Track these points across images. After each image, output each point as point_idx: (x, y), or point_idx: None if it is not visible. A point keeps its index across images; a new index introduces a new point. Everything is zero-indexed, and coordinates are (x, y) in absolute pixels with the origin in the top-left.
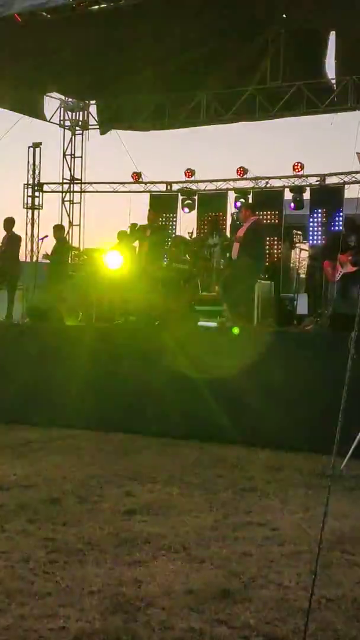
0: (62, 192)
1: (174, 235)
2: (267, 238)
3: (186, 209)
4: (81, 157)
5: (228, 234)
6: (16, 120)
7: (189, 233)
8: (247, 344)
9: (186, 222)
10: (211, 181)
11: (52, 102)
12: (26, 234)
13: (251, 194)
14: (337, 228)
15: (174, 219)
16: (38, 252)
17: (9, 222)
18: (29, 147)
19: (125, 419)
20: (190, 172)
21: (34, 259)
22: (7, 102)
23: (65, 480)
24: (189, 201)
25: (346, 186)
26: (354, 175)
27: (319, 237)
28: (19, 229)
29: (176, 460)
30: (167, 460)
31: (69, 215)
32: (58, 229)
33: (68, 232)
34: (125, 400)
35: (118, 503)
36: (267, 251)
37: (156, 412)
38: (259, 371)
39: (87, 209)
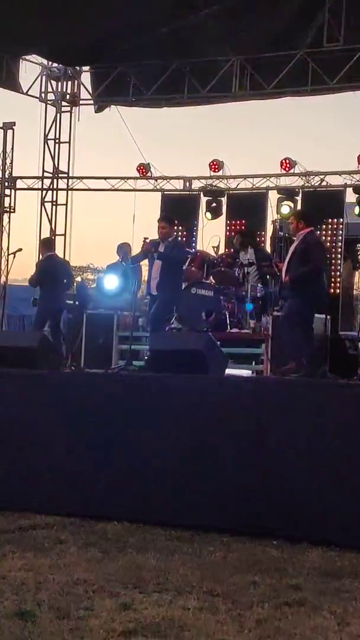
0: (42, 189)
1: (193, 250)
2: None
3: (210, 215)
4: (68, 142)
5: (267, 248)
6: None
7: (214, 247)
8: (291, 401)
9: (210, 233)
10: (245, 177)
11: (30, 69)
12: None
13: (300, 195)
14: None
15: (194, 228)
16: (7, 272)
17: None
18: None
19: (121, 502)
20: (216, 165)
21: (1, 280)
22: None
23: (39, 586)
24: (215, 204)
25: None
26: None
27: None
28: None
29: (192, 561)
30: (180, 561)
31: (50, 222)
32: (46, 245)
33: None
34: (121, 476)
35: (112, 620)
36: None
37: (164, 493)
38: (310, 441)
39: (77, 213)
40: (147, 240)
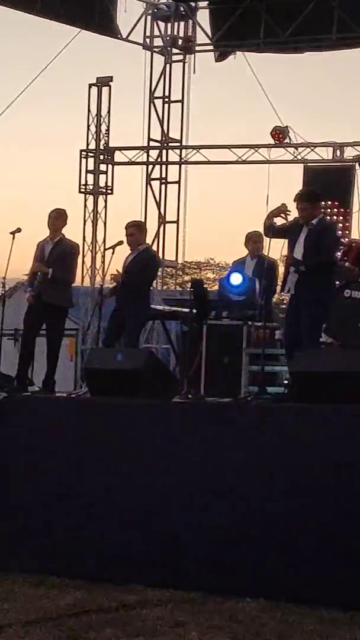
0: (147, 163)
1: (346, 240)
2: None
3: None
4: (181, 102)
5: None
6: (69, 39)
7: None
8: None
9: None
10: None
11: (131, 7)
12: (84, 238)
13: None
14: None
15: (348, 211)
16: (104, 273)
17: (58, 218)
18: (90, 86)
19: (257, 574)
20: None
21: (97, 282)
22: (54, 10)
23: None
24: None
25: None
26: None
27: None
28: (72, 230)
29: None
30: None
31: (158, 205)
32: (137, 228)
33: (156, 235)
34: (256, 541)
35: None
36: None
37: (313, 562)
38: None
39: (192, 193)
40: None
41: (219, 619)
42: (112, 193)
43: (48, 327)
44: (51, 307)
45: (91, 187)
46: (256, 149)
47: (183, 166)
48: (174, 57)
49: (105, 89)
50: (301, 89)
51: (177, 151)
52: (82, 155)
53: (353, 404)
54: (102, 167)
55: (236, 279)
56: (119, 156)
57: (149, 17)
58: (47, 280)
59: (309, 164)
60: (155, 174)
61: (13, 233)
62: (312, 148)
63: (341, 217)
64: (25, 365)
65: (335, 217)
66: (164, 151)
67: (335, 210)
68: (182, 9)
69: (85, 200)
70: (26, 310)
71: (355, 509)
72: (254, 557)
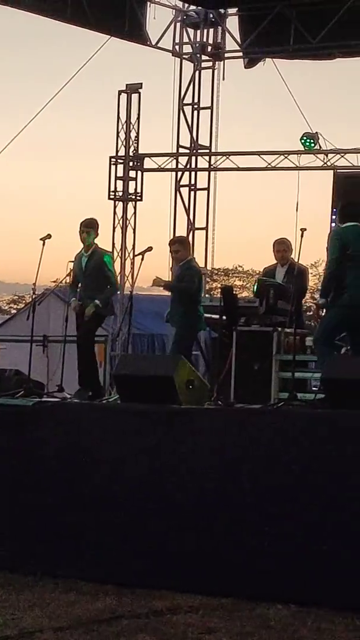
0: (176, 170)
1: None
2: None
3: None
4: (211, 108)
5: None
6: (99, 46)
7: None
8: None
9: None
10: None
11: (160, 14)
12: (113, 244)
13: None
14: None
15: None
16: (134, 279)
17: (90, 226)
18: (119, 93)
19: (289, 578)
20: None
21: (126, 288)
22: (84, 17)
23: None
24: None
25: None
26: None
27: None
28: (101, 236)
29: None
30: None
31: (187, 212)
32: (181, 244)
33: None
34: (292, 542)
35: None
36: None
37: (351, 566)
38: None
39: (221, 200)
40: None
41: (250, 625)
42: (141, 199)
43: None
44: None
45: (120, 193)
46: (286, 155)
47: (212, 173)
48: (203, 64)
49: (134, 96)
50: (331, 95)
51: (206, 158)
52: (112, 162)
53: None
54: (132, 173)
55: None
56: (148, 163)
57: (178, 24)
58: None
59: (338, 170)
60: (185, 180)
61: (43, 239)
62: (342, 154)
63: None
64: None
65: None
66: (193, 158)
67: None
68: (211, 15)
69: (115, 206)
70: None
71: None
72: (284, 563)
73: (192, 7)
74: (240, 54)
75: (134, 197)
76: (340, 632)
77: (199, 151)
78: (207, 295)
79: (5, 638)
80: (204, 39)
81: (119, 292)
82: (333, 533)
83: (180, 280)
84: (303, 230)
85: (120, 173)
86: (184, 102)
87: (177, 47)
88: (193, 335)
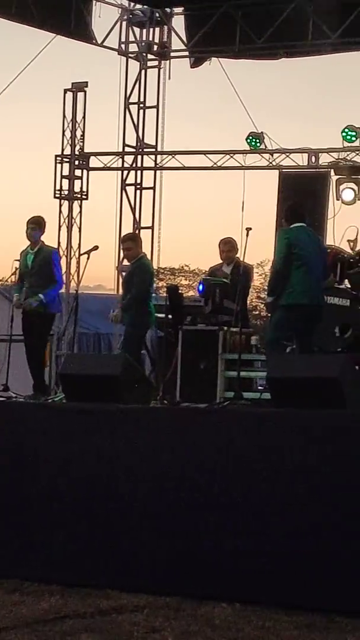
0: (122, 169)
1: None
2: None
3: (347, 197)
4: (157, 108)
5: None
6: (44, 44)
7: (350, 242)
8: None
9: (345, 222)
10: None
11: (106, 13)
12: (58, 243)
13: None
14: None
15: (322, 215)
16: (80, 278)
17: (36, 224)
18: (65, 91)
19: (234, 578)
20: (352, 133)
21: (72, 287)
22: (30, 15)
23: None
24: (351, 184)
25: None
26: None
27: None
28: (47, 235)
29: None
30: None
31: (133, 211)
32: (133, 241)
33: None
34: (234, 542)
35: None
36: None
37: (292, 566)
38: None
39: (167, 199)
40: None
41: (195, 624)
42: (87, 198)
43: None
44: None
45: (66, 192)
46: (231, 154)
47: (158, 172)
48: (149, 63)
49: (80, 95)
50: (277, 95)
51: (152, 157)
52: (57, 161)
53: (326, 408)
54: (77, 172)
55: None
56: (94, 161)
57: (124, 23)
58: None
59: (284, 170)
60: (130, 179)
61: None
62: (288, 154)
63: (316, 224)
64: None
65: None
66: (139, 157)
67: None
68: (157, 14)
69: (61, 205)
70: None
71: (327, 514)
72: (229, 561)
73: (138, 6)
74: (186, 53)
75: (79, 196)
76: (284, 629)
77: (145, 150)
78: (153, 295)
79: None
80: (150, 38)
81: (62, 291)
82: (276, 531)
83: (130, 277)
84: (249, 229)
85: (66, 172)
86: (130, 101)
87: (123, 46)
88: (143, 331)
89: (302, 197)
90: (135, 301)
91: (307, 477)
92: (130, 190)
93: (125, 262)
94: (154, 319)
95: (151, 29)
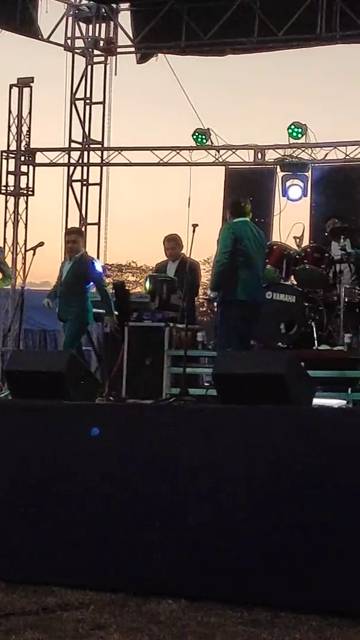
0: (68, 164)
1: (268, 242)
2: None
3: (293, 194)
4: (103, 103)
5: None
6: None
7: (295, 238)
8: None
9: (291, 219)
10: (336, 145)
11: (52, 8)
12: (4, 239)
13: None
14: None
15: (268, 211)
16: (25, 274)
17: None
18: (10, 87)
19: (179, 574)
20: (298, 130)
21: (18, 283)
22: None
23: None
24: (297, 180)
25: None
26: None
27: None
28: None
29: None
30: None
31: (79, 207)
32: (79, 235)
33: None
34: (175, 538)
35: None
36: None
37: (235, 562)
38: None
39: (114, 195)
40: None
41: (140, 620)
42: (33, 194)
43: None
44: None
45: (12, 188)
46: (178, 151)
47: (104, 168)
48: (96, 59)
49: (26, 90)
50: (222, 91)
51: (99, 153)
52: (3, 156)
53: (272, 403)
54: (23, 168)
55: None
56: (40, 157)
57: (70, 18)
58: None
59: (230, 167)
60: (77, 175)
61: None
62: (234, 151)
63: (262, 220)
64: None
65: (255, 220)
66: (85, 153)
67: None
68: (103, 10)
69: (6, 201)
70: None
71: (267, 511)
72: (174, 557)
73: (84, 2)
74: (133, 49)
75: (25, 191)
76: (230, 625)
77: (91, 146)
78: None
79: None
80: (96, 34)
81: (8, 287)
82: (220, 527)
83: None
84: (195, 225)
85: (11, 167)
86: (76, 96)
87: (69, 41)
88: (84, 328)
89: (248, 194)
90: (73, 299)
91: (249, 477)
92: (77, 186)
93: None
94: (91, 315)
95: (97, 25)
